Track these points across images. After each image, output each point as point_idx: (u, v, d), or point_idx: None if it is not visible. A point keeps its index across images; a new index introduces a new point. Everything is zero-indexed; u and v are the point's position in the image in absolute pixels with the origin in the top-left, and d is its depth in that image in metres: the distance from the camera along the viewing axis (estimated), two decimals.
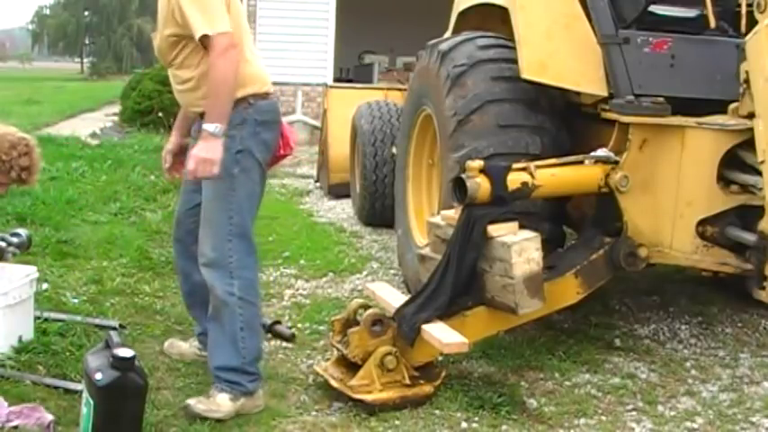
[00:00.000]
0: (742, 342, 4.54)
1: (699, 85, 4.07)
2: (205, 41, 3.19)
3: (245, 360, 3.40)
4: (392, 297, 3.91)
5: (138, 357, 3.06)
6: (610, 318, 4.79)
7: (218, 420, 3.30)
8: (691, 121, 3.88)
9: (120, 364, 2.89)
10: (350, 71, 16.89)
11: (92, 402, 2.89)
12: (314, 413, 3.48)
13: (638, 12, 4.12)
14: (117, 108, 16.52)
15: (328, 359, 3.87)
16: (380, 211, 7.13)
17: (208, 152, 3.16)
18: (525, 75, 4.09)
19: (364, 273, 5.64)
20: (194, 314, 3.87)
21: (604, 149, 3.96)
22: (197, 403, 3.33)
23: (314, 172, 9.64)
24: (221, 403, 3.34)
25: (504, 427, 3.41)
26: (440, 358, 3.86)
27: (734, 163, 3.84)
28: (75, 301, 4.54)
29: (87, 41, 59.42)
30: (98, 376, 2.86)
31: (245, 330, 3.39)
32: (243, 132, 3.33)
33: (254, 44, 3.57)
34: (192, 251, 3.52)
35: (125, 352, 2.92)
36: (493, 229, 3.62)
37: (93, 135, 12.76)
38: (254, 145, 3.36)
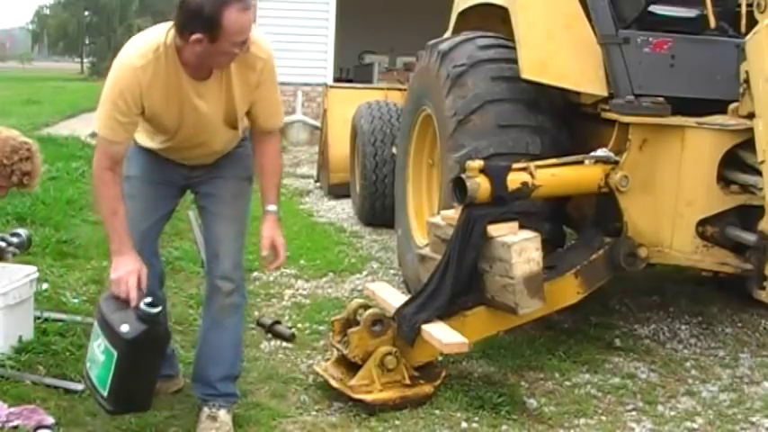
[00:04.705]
0: (742, 342, 4.54)
1: (699, 85, 4.07)
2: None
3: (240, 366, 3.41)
4: (392, 297, 3.91)
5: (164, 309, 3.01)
6: (610, 318, 4.79)
7: None
8: (691, 121, 3.88)
9: (147, 317, 2.85)
10: (350, 71, 16.89)
11: (114, 353, 2.84)
12: (314, 413, 3.48)
13: (638, 12, 4.12)
14: None
15: (328, 359, 3.87)
16: (380, 211, 7.13)
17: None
18: (525, 75, 4.09)
19: (364, 273, 5.64)
20: None
21: (604, 149, 3.97)
22: None
23: (314, 172, 9.64)
24: (226, 420, 3.24)
25: (504, 427, 3.41)
26: (440, 358, 3.86)
27: (734, 163, 3.84)
28: (75, 301, 4.54)
29: (87, 41, 59.44)
30: (124, 329, 2.82)
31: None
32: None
33: None
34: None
35: (153, 306, 2.88)
36: (493, 229, 3.62)
37: (93, 135, 12.72)
38: None
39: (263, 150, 3.27)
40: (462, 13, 5.16)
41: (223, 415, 3.24)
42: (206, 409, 3.25)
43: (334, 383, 3.58)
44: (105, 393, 2.89)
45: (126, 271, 2.91)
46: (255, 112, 3.16)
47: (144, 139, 3.23)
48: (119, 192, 3.00)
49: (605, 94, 4.07)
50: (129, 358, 2.85)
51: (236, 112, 3.10)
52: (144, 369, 2.94)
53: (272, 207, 3.24)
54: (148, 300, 2.87)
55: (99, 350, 2.91)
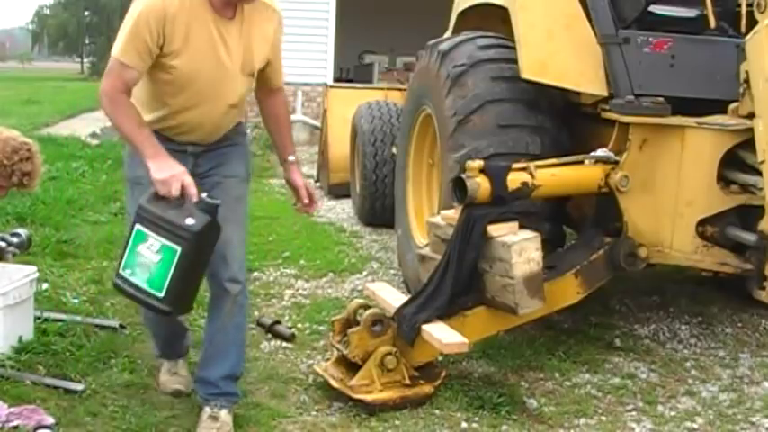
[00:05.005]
0: (742, 342, 4.54)
1: (699, 85, 4.07)
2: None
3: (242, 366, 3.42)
4: (392, 297, 3.91)
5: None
6: (610, 318, 4.79)
7: None
8: (691, 121, 3.88)
9: (210, 208, 2.92)
10: (350, 71, 16.90)
11: (177, 249, 2.87)
12: (314, 413, 3.48)
13: (638, 12, 4.12)
14: None
15: (328, 359, 3.87)
16: (380, 211, 7.13)
17: None
18: (525, 75, 4.09)
19: (364, 273, 5.64)
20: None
21: (604, 149, 3.97)
22: None
23: (314, 172, 9.64)
24: (227, 421, 3.25)
25: (504, 427, 3.41)
26: (440, 358, 3.86)
27: (734, 163, 3.84)
28: (76, 301, 4.54)
29: (87, 41, 59.41)
30: (189, 221, 2.86)
31: None
32: None
33: None
34: None
35: (212, 198, 2.97)
36: (493, 229, 3.61)
37: (93, 135, 12.76)
38: None
39: (276, 103, 3.46)
40: (462, 13, 5.16)
41: (224, 415, 3.25)
42: (207, 409, 3.26)
43: (334, 383, 3.58)
44: (162, 294, 2.89)
45: (173, 172, 2.93)
46: (270, 71, 3.31)
47: (154, 109, 3.19)
48: (136, 110, 3.03)
49: (605, 94, 4.07)
50: (194, 251, 2.90)
51: (253, 61, 3.18)
52: (202, 263, 3.01)
53: (292, 157, 3.42)
54: (204, 193, 2.97)
55: (152, 251, 2.90)
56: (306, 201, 3.38)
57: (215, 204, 2.94)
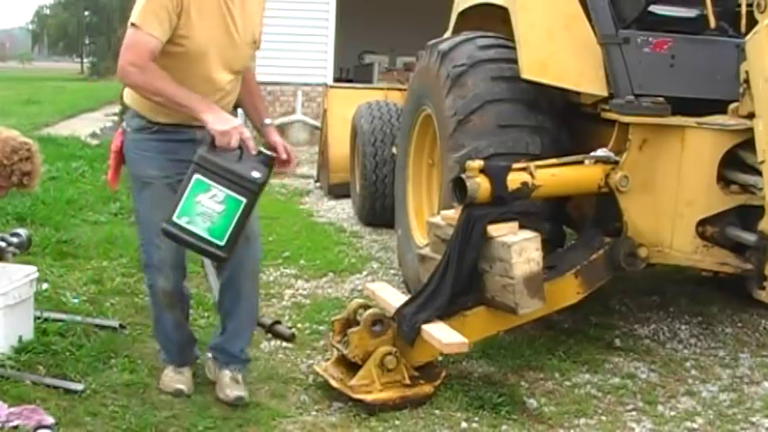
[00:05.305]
0: (742, 342, 4.54)
1: (699, 85, 4.07)
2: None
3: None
4: (392, 297, 3.91)
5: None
6: (610, 318, 4.79)
7: (223, 419, 3.34)
8: (691, 121, 3.88)
9: (269, 161, 3.15)
10: (350, 71, 16.89)
11: (242, 200, 3.05)
12: (314, 413, 3.48)
13: (638, 12, 4.12)
14: (117, 108, 16.50)
15: (328, 359, 3.87)
16: (380, 211, 7.13)
17: None
18: (525, 75, 4.09)
19: (364, 273, 5.64)
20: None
21: (604, 149, 3.96)
22: (241, 391, 3.49)
23: (314, 172, 9.64)
24: (243, 382, 3.56)
25: (504, 427, 3.41)
26: (440, 358, 3.86)
27: (734, 163, 3.84)
28: (76, 301, 4.54)
29: (87, 41, 59.41)
30: (255, 174, 3.06)
31: None
32: None
33: None
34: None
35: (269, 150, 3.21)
36: (493, 229, 3.61)
37: (93, 135, 12.78)
38: None
39: (248, 77, 3.52)
40: (462, 13, 5.16)
41: (241, 378, 3.57)
42: (228, 372, 3.55)
43: (334, 383, 3.58)
44: (223, 242, 3.07)
45: (233, 124, 3.07)
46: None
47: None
48: (167, 74, 3.11)
49: (605, 94, 4.07)
50: (254, 203, 3.12)
51: (254, 30, 3.33)
52: (252, 213, 3.20)
53: (268, 120, 3.52)
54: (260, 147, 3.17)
55: (215, 201, 3.05)
56: (284, 157, 3.38)
57: (273, 157, 3.17)
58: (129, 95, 3.37)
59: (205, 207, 3.04)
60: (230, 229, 3.05)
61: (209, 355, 3.68)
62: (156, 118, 3.28)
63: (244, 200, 3.05)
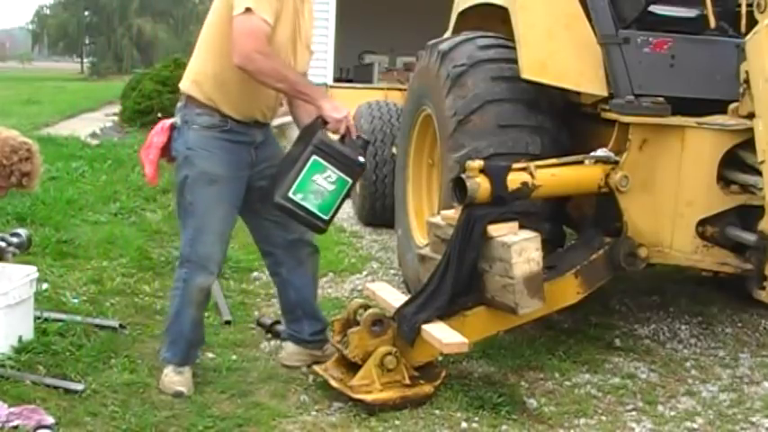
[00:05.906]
0: (742, 342, 4.54)
1: (699, 85, 4.07)
2: None
3: None
4: (392, 297, 3.91)
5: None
6: (610, 318, 4.79)
7: (222, 419, 3.35)
8: (691, 121, 3.88)
9: (366, 146, 3.60)
10: (350, 71, 16.88)
11: (349, 181, 3.50)
12: (314, 413, 3.48)
13: (638, 12, 4.12)
14: (117, 108, 16.53)
15: None
16: (380, 211, 7.13)
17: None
18: (525, 75, 4.08)
19: (364, 273, 5.64)
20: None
21: (604, 149, 3.96)
22: None
23: None
24: None
25: (504, 427, 3.41)
26: (440, 358, 3.86)
27: (734, 163, 3.84)
28: (76, 301, 4.55)
29: (87, 41, 59.42)
30: (361, 158, 3.50)
31: None
32: None
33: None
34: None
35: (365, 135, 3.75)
36: (493, 229, 3.61)
37: (93, 135, 12.78)
38: None
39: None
40: (462, 13, 5.16)
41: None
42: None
43: (334, 383, 3.58)
44: (327, 217, 3.54)
45: (345, 112, 3.46)
46: None
47: (234, 81, 3.37)
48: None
49: (605, 94, 4.07)
50: (356, 183, 3.61)
51: (311, 35, 3.58)
52: None
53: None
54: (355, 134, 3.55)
55: (329, 182, 3.45)
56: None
57: (369, 141, 3.70)
58: (199, 89, 3.44)
59: (318, 186, 3.43)
60: (335, 206, 3.51)
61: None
62: (233, 113, 3.42)
63: (350, 180, 3.49)
